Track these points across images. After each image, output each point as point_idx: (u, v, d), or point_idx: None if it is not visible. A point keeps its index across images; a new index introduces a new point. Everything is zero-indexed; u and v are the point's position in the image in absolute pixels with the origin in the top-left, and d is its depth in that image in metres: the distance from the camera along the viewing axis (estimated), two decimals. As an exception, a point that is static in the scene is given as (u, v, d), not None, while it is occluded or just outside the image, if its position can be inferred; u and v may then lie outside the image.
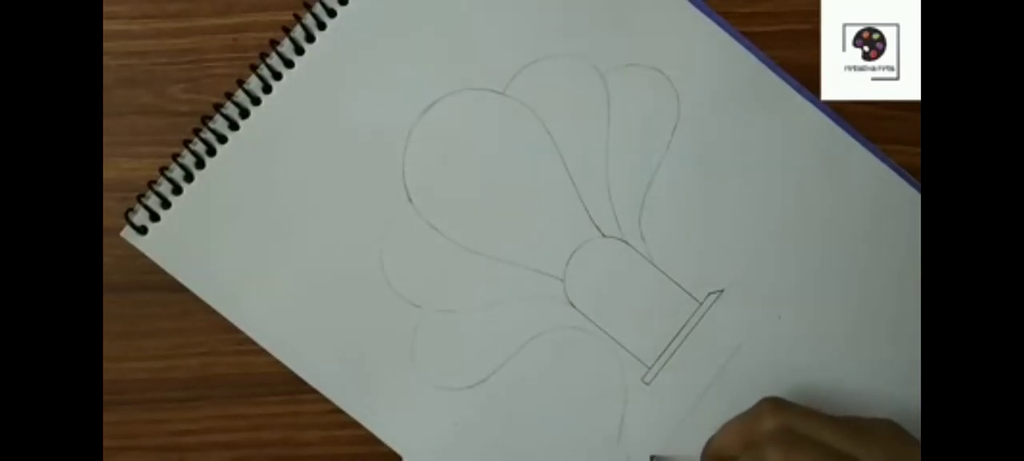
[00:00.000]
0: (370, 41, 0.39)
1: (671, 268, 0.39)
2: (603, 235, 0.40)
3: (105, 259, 0.39)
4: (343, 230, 0.39)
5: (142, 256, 0.39)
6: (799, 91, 0.39)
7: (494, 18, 0.39)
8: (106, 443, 0.39)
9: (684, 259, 0.40)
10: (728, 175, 0.40)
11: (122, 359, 0.40)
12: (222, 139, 0.39)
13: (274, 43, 0.39)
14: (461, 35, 0.39)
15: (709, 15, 0.39)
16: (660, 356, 0.39)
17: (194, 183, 0.39)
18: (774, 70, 0.40)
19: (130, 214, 0.39)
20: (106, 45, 0.39)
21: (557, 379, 0.39)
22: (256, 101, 0.39)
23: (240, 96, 0.39)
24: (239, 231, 0.39)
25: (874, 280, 0.40)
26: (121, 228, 0.39)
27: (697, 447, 0.39)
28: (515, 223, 0.39)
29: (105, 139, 0.39)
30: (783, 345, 0.40)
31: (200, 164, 0.39)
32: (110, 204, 0.39)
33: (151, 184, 0.39)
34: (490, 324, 0.39)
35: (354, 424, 0.39)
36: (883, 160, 0.40)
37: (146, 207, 0.39)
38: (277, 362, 0.39)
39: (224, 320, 0.39)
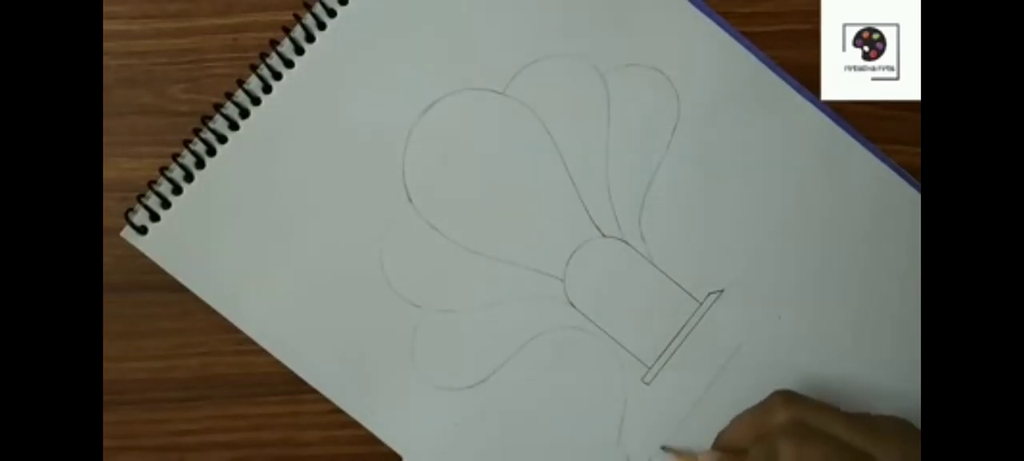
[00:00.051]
0: (370, 41, 0.39)
1: (671, 268, 0.40)
2: (603, 235, 0.40)
3: (105, 259, 0.39)
4: (343, 230, 0.39)
5: (142, 256, 0.39)
6: (799, 91, 0.39)
7: (494, 18, 0.39)
8: (106, 443, 0.39)
9: (684, 259, 0.40)
10: (728, 175, 0.40)
11: (122, 359, 0.40)
12: (222, 139, 0.39)
13: (274, 43, 0.39)
14: (461, 35, 0.39)
15: (709, 15, 0.39)
16: (660, 356, 0.39)
17: (194, 183, 0.39)
18: (774, 70, 0.40)
19: (130, 214, 0.39)
20: (106, 45, 0.39)
21: (557, 379, 0.39)
22: (256, 101, 0.39)
23: (240, 96, 0.39)
24: (239, 231, 0.39)
25: (874, 280, 0.40)
26: (121, 228, 0.39)
27: (697, 447, 0.39)
28: (515, 223, 0.39)
29: (105, 139, 0.39)
30: (783, 345, 0.40)
31: (200, 164, 0.39)
32: (110, 204, 0.39)
33: (151, 184, 0.39)
34: (490, 324, 0.39)
35: (354, 424, 0.39)
36: (883, 160, 0.40)
37: (146, 207, 0.39)
38: (277, 362, 0.39)
39: (224, 320, 0.39)
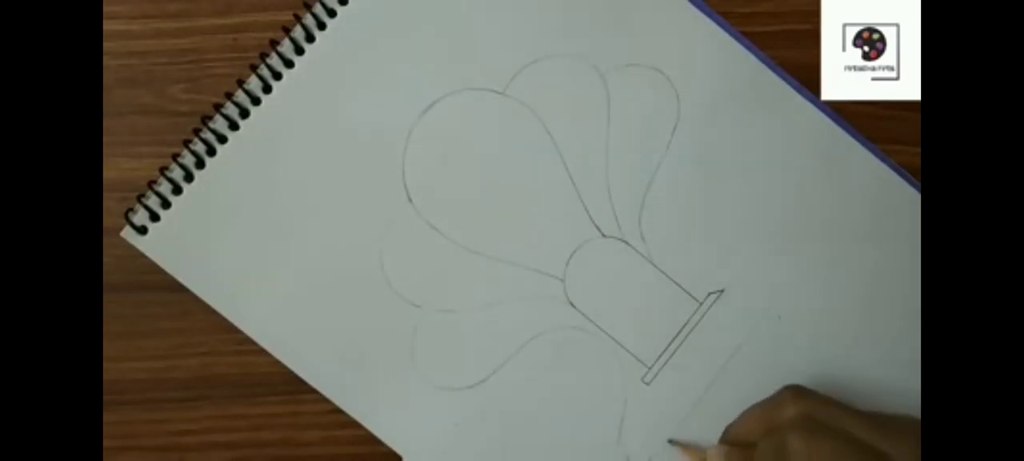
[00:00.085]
0: (370, 41, 0.39)
1: (671, 268, 0.40)
2: (603, 235, 0.40)
3: (105, 259, 0.39)
4: (343, 230, 0.39)
5: (142, 256, 0.39)
6: (799, 91, 0.39)
7: (494, 18, 0.39)
8: (106, 443, 0.39)
9: (684, 259, 0.40)
10: (728, 175, 0.40)
11: (122, 359, 0.40)
12: (222, 139, 0.39)
13: (274, 43, 0.39)
14: (461, 35, 0.39)
15: (709, 15, 0.39)
16: (660, 356, 0.39)
17: (194, 183, 0.39)
18: (774, 70, 0.40)
19: (130, 214, 0.39)
20: (106, 45, 0.40)
21: (557, 379, 0.39)
22: (256, 101, 0.39)
23: (240, 96, 0.39)
24: (239, 231, 0.39)
25: (874, 280, 0.40)
26: (121, 228, 0.39)
27: (701, 443, 0.39)
28: (515, 223, 0.39)
29: (105, 139, 0.39)
30: (783, 345, 0.40)
31: (200, 164, 0.39)
32: (110, 204, 0.39)
33: (151, 184, 0.39)
34: (490, 324, 0.39)
35: (354, 424, 0.39)
36: (883, 160, 0.40)
37: (146, 207, 0.39)
38: (277, 362, 0.39)
39: (224, 320, 0.39)
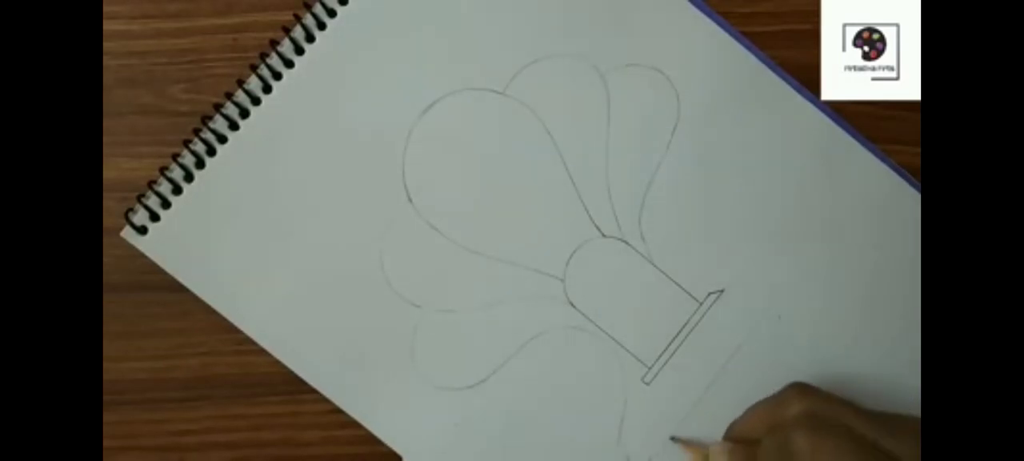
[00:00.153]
0: (370, 41, 0.39)
1: (671, 268, 0.39)
2: (603, 235, 0.40)
3: (105, 259, 0.39)
4: (343, 230, 0.39)
5: (142, 256, 0.39)
6: (799, 91, 0.39)
7: (494, 18, 0.39)
8: (106, 443, 0.39)
9: (684, 259, 0.40)
10: (728, 175, 0.40)
11: (122, 359, 0.40)
12: (222, 139, 0.39)
13: (274, 43, 0.39)
14: (461, 35, 0.39)
15: (709, 15, 0.39)
16: (660, 356, 0.39)
17: (194, 183, 0.39)
18: (774, 70, 0.39)
19: (130, 214, 0.39)
20: (106, 45, 0.40)
21: (557, 379, 0.39)
22: (256, 101, 0.39)
23: (240, 96, 0.39)
24: (239, 231, 0.39)
25: (874, 280, 0.40)
26: (121, 228, 0.39)
27: (704, 440, 0.39)
28: (515, 223, 0.39)
29: (105, 139, 0.39)
30: (783, 345, 0.40)
31: (200, 164, 0.39)
32: (110, 204, 0.39)
33: (151, 184, 0.39)
34: (490, 324, 0.39)
35: (354, 424, 0.39)
36: (883, 160, 0.40)
37: (146, 207, 0.39)
38: (277, 362, 0.39)
39: (224, 320, 0.39)
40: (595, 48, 0.39)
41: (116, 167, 0.40)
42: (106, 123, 0.39)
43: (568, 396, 0.39)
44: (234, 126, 0.39)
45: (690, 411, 0.39)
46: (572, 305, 0.39)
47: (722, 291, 0.40)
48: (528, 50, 0.39)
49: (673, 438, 0.39)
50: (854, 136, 0.40)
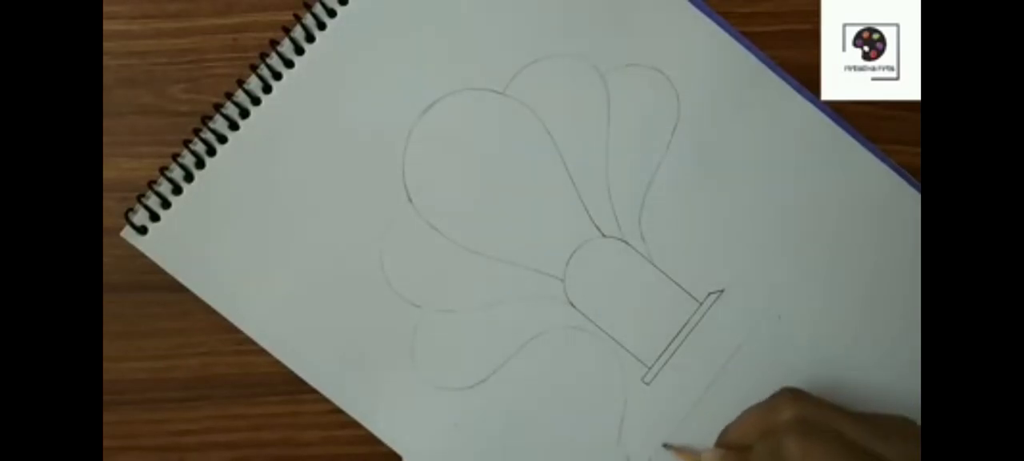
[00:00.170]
0: (370, 41, 0.39)
1: (671, 268, 0.40)
2: (603, 235, 0.40)
3: (105, 259, 0.39)
4: (343, 230, 0.39)
5: (142, 256, 0.39)
6: (799, 91, 0.39)
7: (494, 18, 0.39)
8: (106, 443, 0.39)
9: (684, 259, 0.40)
10: (728, 175, 0.40)
11: (122, 359, 0.40)
12: (222, 139, 0.39)
13: (274, 43, 0.39)
14: (461, 35, 0.39)
15: (709, 15, 0.39)
16: (660, 356, 0.39)
17: (194, 183, 0.39)
18: (774, 70, 0.40)
19: (130, 214, 0.39)
20: (106, 45, 0.40)
21: (557, 379, 0.39)
22: (256, 101, 0.39)
23: (240, 96, 0.39)
24: (239, 231, 0.39)
25: (874, 280, 0.40)
26: (121, 228, 0.39)
27: (697, 446, 0.39)
28: (515, 223, 0.39)
29: (105, 139, 0.39)
30: (783, 345, 0.40)
31: (200, 164, 0.39)
32: (110, 204, 0.39)
33: (151, 184, 0.39)
34: (490, 324, 0.39)
35: (354, 424, 0.39)
36: (883, 160, 0.40)
37: (146, 207, 0.39)
38: (277, 362, 0.39)
39: (224, 320, 0.39)
40: (595, 48, 0.39)
41: (116, 167, 0.40)
42: (106, 123, 0.39)
43: (568, 396, 0.39)
44: (234, 126, 0.39)
45: (690, 411, 0.39)
46: (572, 305, 0.39)
47: (722, 291, 0.40)
48: (528, 50, 0.39)
49: (666, 445, 0.39)
50: (854, 136, 0.40)
